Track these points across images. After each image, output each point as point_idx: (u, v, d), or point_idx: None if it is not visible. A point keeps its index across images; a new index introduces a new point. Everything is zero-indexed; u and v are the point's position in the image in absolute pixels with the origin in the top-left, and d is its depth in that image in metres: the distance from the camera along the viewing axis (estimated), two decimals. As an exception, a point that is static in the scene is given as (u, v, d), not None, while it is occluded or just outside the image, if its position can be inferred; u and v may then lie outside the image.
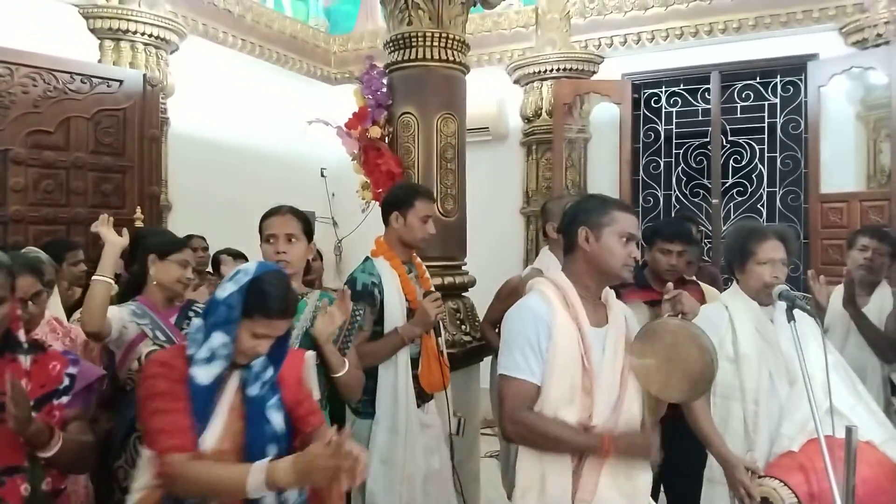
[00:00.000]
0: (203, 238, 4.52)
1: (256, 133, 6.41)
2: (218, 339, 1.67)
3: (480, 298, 3.67)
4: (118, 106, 4.61)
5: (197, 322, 1.75)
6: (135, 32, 5.10)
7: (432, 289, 2.87)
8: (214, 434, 1.68)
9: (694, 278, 3.23)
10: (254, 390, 1.75)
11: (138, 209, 4.38)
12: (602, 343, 1.90)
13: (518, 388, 1.85)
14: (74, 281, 3.32)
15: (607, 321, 1.96)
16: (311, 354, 2.02)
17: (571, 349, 1.85)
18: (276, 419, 1.77)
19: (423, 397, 2.78)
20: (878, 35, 5.08)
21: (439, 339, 2.82)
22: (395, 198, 2.85)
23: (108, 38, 5.10)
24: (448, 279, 3.52)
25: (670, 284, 2.04)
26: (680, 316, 1.92)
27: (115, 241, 2.44)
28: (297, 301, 1.82)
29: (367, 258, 2.83)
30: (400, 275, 2.76)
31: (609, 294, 2.03)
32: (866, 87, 5.45)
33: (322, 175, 7.08)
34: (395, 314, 2.70)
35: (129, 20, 5.06)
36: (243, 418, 1.73)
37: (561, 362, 1.83)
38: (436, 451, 2.80)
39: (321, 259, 3.93)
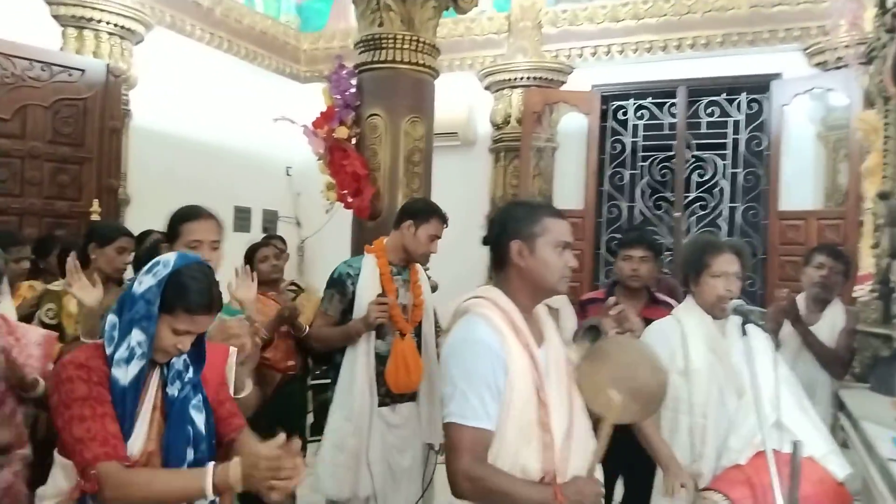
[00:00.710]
0: (162, 233, 4.41)
1: (221, 129, 6.31)
2: (136, 336, 1.57)
3: (444, 303, 3.66)
4: (79, 95, 4.52)
5: (111, 318, 1.62)
6: (99, 21, 4.99)
7: (421, 298, 2.93)
8: (141, 435, 1.60)
9: (666, 298, 3.26)
10: (174, 390, 1.66)
11: (95, 202, 4.30)
12: (544, 364, 1.71)
13: (476, 438, 1.60)
14: (15, 278, 3.22)
15: (543, 338, 1.77)
16: (234, 350, 1.94)
17: (526, 382, 1.65)
18: (199, 420, 1.68)
19: (392, 397, 2.82)
20: (839, 58, 5.20)
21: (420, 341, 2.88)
22: (415, 208, 2.93)
23: (71, 26, 4.98)
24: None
25: (612, 299, 2.02)
26: (627, 333, 1.88)
27: (90, 304, 2.26)
28: (220, 296, 1.69)
29: (360, 255, 2.95)
30: (382, 273, 2.84)
31: (538, 307, 1.83)
32: (827, 108, 5.57)
33: (287, 174, 7.01)
34: (362, 308, 2.76)
35: (93, 8, 4.94)
36: (165, 417, 1.64)
37: (517, 399, 1.62)
38: (406, 451, 2.85)
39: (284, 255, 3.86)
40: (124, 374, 1.56)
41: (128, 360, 1.57)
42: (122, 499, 1.50)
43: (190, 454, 1.64)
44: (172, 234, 2.20)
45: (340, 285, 2.83)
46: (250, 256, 3.54)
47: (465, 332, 1.69)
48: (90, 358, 1.59)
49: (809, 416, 2.28)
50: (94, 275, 2.44)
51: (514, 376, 1.63)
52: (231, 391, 1.90)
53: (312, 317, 3.51)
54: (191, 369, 1.71)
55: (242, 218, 6.64)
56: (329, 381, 3.03)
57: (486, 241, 1.82)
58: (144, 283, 1.60)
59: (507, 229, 1.75)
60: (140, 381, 1.59)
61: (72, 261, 2.29)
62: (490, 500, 1.63)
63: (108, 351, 1.59)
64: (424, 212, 2.89)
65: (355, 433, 2.72)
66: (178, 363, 1.68)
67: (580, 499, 1.64)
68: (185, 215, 2.22)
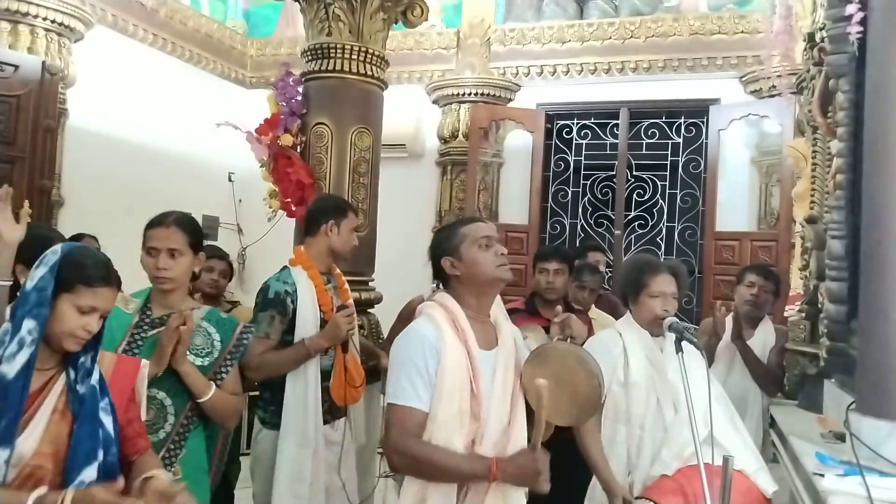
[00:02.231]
0: (95, 238, 4.26)
1: (162, 132, 6.15)
2: (26, 326, 1.53)
3: (387, 315, 3.63)
4: (11, 92, 4.33)
5: (5, 325, 1.59)
6: (35, 16, 4.81)
7: (350, 302, 2.85)
8: (34, 437, 1.55)
9: (580, 308, 3.34)
10: (83, 388, 1.62)
11: (26, 203, 4.08)
12: (492, 365, 1.89)
13: (404, 416, 1.80)
14: None
15: (497, 343, 1.95)
16: (145, 363, 1.88)
17: (460, 373, 1.82)
18: (107, 422, 1.64)
19: (332, 412, 2.75)
20: (773, 87, 5.42)
21: (346, 354, 2.78)
22: (329, 207, 2.85)
23: (4, 20, 4.79)
24: (354, 294, 3.47)
25: (559, 308, 2.10)
26: (569, 340, 1.94)
27: (10, 238, 2.09)
28: (116, 270, 1.69)
29: (284, 267, 2.78)
30: (317, 285, 2.73)
31: (499, 315, 2.03)
32: (761, 134, 5.80)
33: (230, 180, 6.88)
34: (307, 325, 2.67)
35: (29, 2, 4.76)
36: (69, 422, 1.59)
37: (449, 387, 1.80)
38: (338, 469, 2.75)
39: (231, 273, 3.75)
40: (10, 367, 1.52)
41: (16, 354, 1.52)
42: None
43: (100, 455, 1.60)
44: (144, 239, 2.24)
45: (280, 305, 2.63)
46: None
47: (409, 327, 1.91)
48: None
49: (741, 433, 2.36)
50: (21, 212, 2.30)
51: (445, 366, 1.80)
52: (142, 408, 1.85)
53: None
54: (97, 369, 1.67)
55: (182, 224, 6.48)
56: (257, 395, 2.89)
57: (433, 270, 2.04)
58: (35, 275, 1.58)
59: (435, 252, 1.99)
60: (29, 371, 1.53)
61: (3, 191, 2.12)
62: (420, 471, 1.81)
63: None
64: (340, 208, 2.84)
65: (312, 459, 2.62)
66: (86, 361, 1.65)
67: (520, 472, 1.78)
68: (151, 222, 2.23)
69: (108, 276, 1.63)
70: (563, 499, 2.64)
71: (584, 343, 2.01)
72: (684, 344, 2.17)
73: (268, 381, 2.74)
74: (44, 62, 4.55)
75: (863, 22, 2.19)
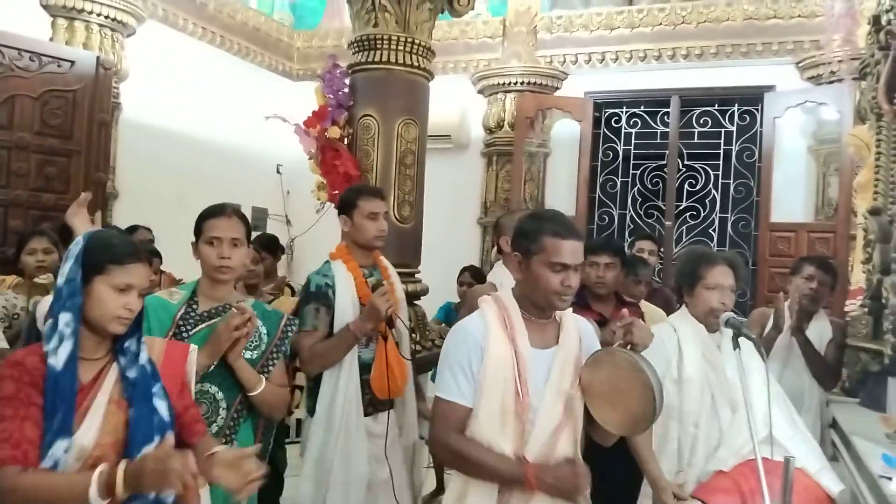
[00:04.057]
0: (149, 230, 4.37)
1: (212, 125, 6.25)
2: (62, 319, 1.55)
3: (433, 307, 3.63)
4: (68, 87, 4.44)
5: (48, 323, 1.60)
6: (90, 12, 4.93)
7: (389, 282, 2.81)
8: (92, 428, 1.57)
9: (633, 300, 3.25)
10: (133, 372, 1.64)
11: (82, 196, 4.22)
12: (548, 365, 1.83)
13: (448, 411, 1.80)
14: None
15: (557, 342, 1.88)
16: (194, 348, 1.89)
17: (504, 371, 1.79)
18: (161, 407, 1.66)
19: (374, 405, 2.73)
20: (832, 73, 5.23)
21: (398, 342, 2.78)
22: (341, 202, 2.85)
23: (61, 17, 4.92)
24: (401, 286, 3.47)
25: (625, 311, 2.00)
26: (629, 347, 1.86)
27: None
28: (142, 247, 1.71)
29: (326, 261, 2.80)
30: (355, 277, 2.72)
31: (565, 313, 1.94)
32: (818, 122, 5.60)
33: (278, 172, 6.96)
34: (345, 316, 2.66)
35: (85, -1, 4.89)
36: (125, 411, 1.62)
37: (490, 384, 1.78)
38: (384, 462, 2.72)
39: (262, 262, 3.81)
40: (56, 360, 1.54)
41: (59, 346, 1.54)
42: (18, 502, 1.47)
43: (156, 439, 1.61)
44: (197, 230, 2.23)
45: (324, 297, 2.65)
46: None
47: (459, 322, 1.92)
48: (27, 356, 1.56)
49: (801, 432, 2.27)
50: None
51: (488, 363, 1.79)
52: (192, 393, 1.86)
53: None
54: (144, 350, 1.68)
55: (231, 215, 6.59)
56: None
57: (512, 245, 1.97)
58: (64, 270, 1.60)
59: (515, 241, 1.92)
60: (74, 363, 1.56)
61: (83, 197, 2.15)
62: (461, 467, 1.82)
63: (45, 347, 1.56)
64: (348, 199, 2.80)
65: (340, 448, 2.63)
66: (132, 345, 1.66)
67: (558, 484, 1.73)
68: (209, 212, 2.23)
69: (136, 252, 1.64)
70: (617, 497, 2.61)
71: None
72: (741, 340, 2.10)
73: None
74: (98, 57, 4.66)
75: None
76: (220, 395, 2.15)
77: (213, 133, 6.26)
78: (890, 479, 1.83)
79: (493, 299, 1.91)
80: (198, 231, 2.23)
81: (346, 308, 2.67)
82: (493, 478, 1.77)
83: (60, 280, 1.59)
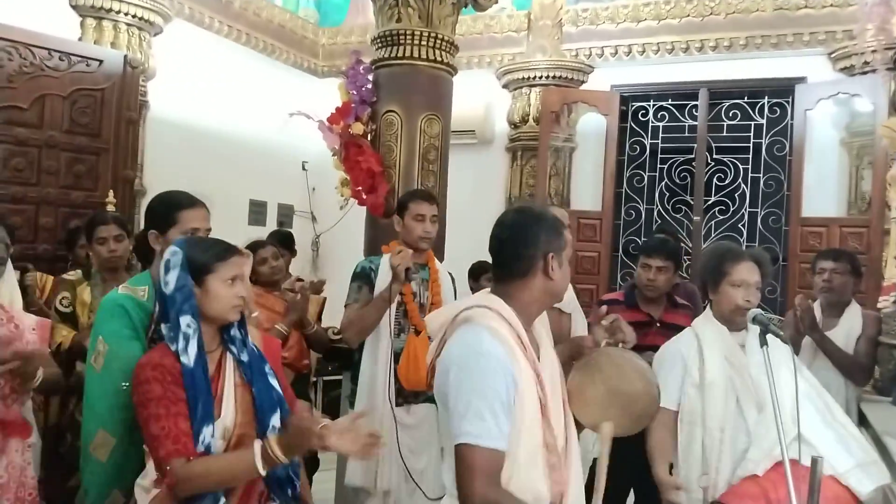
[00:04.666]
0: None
1: (238, 122, 6.30)
2: (183, 322, 1.75)
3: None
4: (96, 86, 4.50)
5: (163, 327, 1.80)
6: (118, 12, 4.99)
7: (440, 296, 2.98)
8: (230, 411, 1.78)
9: (686, 303, 3.19)
10: (246, 356, 1.85)
11: (111, 193, 4.27)
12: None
13: (490, 459, 1.48)
14: None
15: (539, 350, 1.69)
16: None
17: (535, 401, 1.56)
18: (275, 383, 1.89)
19: (404, 395, 2.83)
20: (866, 63, 5.10)
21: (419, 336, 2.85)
22: (397, 203, 3.08)
23: (90, 16, 4.99)
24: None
25: (604, 308, 1.98)
26: (620, 345, 1.85)
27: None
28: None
29: (378, 254, 3.05)
30: None
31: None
32: (851, 114, 5.47)
33: (303, 168, 6.99)
34: None
35: (113, -1, 4.94)
36: (248, 390, 1.83)
37: (530, 418, 1.54)
38: (421, 453, 2.86)
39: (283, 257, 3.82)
40: (188, 358, 1.73)
41: (187, 345, 1.73)
42: (191, 490, 1.67)
43: (276, 417, 1.83)
44: (165, 220, 2.12)
45: (365, 277, 2.93)
46: None
47: (473, 343, 1.55)
48: (163, 356, 1.74)
49: (834, 428, 2.21)
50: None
51: (524, 395, 1.54)
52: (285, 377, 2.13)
53: (315, 314, 3.50)
54: (248, 338, 1.89)
55: (258, 212, 6.64)
56: (341, 378, 3.06)
57: (503, 249, 1.68)
58: (170, 280, 1.78)
59: (539, 242, 1.64)
60: (203, 358, 1.76)
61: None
62: None
63: (173, 349, 1.75)
64: (400, 202, 3.04)
65: (379, 427, 2.71)
66: (237, 333, 1.86)
67: None
68: (180, 203, 2.19)
69: (231, 247, 1.86)
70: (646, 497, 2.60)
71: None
72: (769, 337, 2.05)
73: (352, 363, 2.99)
74: (126, 56, 4.71)
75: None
76: None
77: (239, 130, 6.31)
78: (924, 481, 1.77)
79: (494, 314, 1.60)
80: (168, 220, 2.14)
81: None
82: None
83: (169, 289, 1.77)
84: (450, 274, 3.16)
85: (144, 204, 5.25)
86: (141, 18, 5.12)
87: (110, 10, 4.96)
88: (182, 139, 5.71)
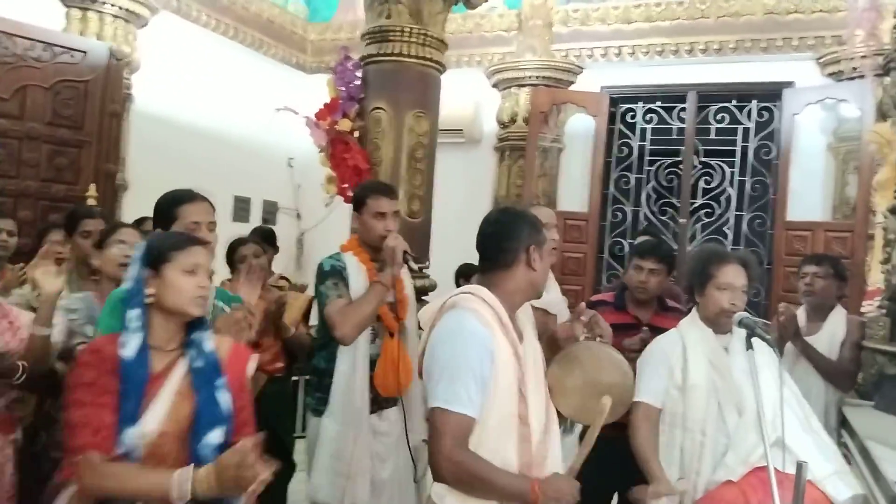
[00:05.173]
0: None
1: (224, 117, 6.24)
2: (129, 316, 1.67)
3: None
4: (80, 78, 4.45)
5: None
6: (104, 3, 4.92)
7: (405, 293, 2.79)
8: (157, 416, 1.63)
9: (677, 305, 3.18)
10: (199, 362, 1.72)
11: (92, 186, 4.22)
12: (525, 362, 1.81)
13: (459, 424, 1.65)
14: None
15: (522, 337, 1.85)
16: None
17: (510, 376, 1.73)
18: (224, 400, 1.72)
19: (378, 402, 2.69)
20: (854, 69, 5.12)
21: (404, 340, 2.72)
22: (353, 200, 2.79)
23: (75, 7, 4.91)
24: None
25: (583, 304, 2.03)
26: (598, 339, 1.91)
27: (50, 292, 2.17)
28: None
29: (337, 252, 2.76)
30: (368, 269, 2.68)
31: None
32: (839, 119, 5.49)
33: (289, 165, 6.94)
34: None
35: (98, -11, 4.87)
36: (191, 402, 1.68)
37: (503, 389, 1.70)
38: (388, 460, 2.70)
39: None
40: (127, 352, 1.63)
41: (129, 339, 1.64)
42: (97, 490, 1.55)
43: (217, 433, 1.66)
44: (168, 217, 2.16)
45: (339, 274, 2.61)
46: (230, 254, 3.47)
47: (455, 323, 1.73)
48: (107, 344, 1.65)
49: (814, 435, 2.21)
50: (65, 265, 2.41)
51: (499, 368, 1.70)
52: (249, 395, 1.88)
53: (297, 317, 3.41)
54: (210, 343, 1.76)
55: (242, 208, 6.57)
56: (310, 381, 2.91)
57: (488, 243, 1.85)
58: (129, 273, 1.74)
59: (521, 236, 1.82)
60: (145, 354, 1.65)
61: (44, 249, 2.27)
62: (469, 485, 1.68)
63: (120, 339, 1.66)
64: (358, 197, 2.74)
65: (354, 440, 2.60)
66: (200, 338, 1.75)
67: (558, 496, 1.70)
68: (181, 198, 2.20)
69: (192, 238, 1.79)
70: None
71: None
72: (755, 341, 2.03)
73: (317, 371, 2.73)
74: (110, 48, 4.65)
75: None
76: None
77: (224, 125, 6.24)
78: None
79: (478, 299, 1.77)
80: (168, 216, 2.19)
81: (357, 294, 2.60)
82: (502, 497, 1.69)
83: (125, 285, 1.73)
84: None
85: (126, 198, 5.25)
86: (126, 10, 5.05)
87: (95, 0, 4.89)
88: (166, 133, 5.64)
